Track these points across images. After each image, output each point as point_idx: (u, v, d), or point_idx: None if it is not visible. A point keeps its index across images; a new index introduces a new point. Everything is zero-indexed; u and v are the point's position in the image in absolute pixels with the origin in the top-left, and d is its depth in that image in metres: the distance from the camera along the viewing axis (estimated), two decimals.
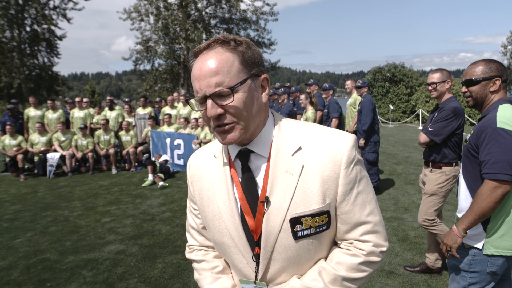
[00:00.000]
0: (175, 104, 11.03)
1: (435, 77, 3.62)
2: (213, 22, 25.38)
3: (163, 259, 4.41)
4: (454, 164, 3.60)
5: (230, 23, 25.02)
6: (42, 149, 9.56)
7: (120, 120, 10.61)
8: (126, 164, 10.15)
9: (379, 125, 7.05)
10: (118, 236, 5.16)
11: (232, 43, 1.07)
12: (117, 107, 11.08)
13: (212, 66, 1.04)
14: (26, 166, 9.77)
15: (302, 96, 7.36)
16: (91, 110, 10.79)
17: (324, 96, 7.96)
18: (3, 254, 4.63)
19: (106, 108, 10.92)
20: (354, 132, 7.53)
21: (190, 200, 1.36)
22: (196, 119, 9.68)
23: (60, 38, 29.31)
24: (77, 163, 9.94)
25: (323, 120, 7.89)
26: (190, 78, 1.11)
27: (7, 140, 9.52)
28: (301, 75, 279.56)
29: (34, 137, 9.68)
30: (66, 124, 10.27)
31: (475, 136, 2.15)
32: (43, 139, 9.69)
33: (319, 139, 1.14)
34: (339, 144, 1.12)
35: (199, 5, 24.25)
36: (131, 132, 10.21)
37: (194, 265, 1.37)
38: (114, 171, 9.76)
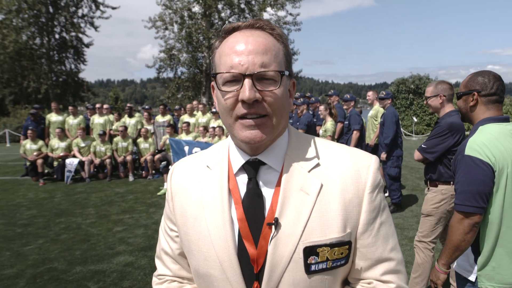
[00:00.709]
0: (194, 112, 10.99)
1: (428, 91, 3.42)
2: None
3: None
4: (452, 182, 3.30)
5: None
6: (61, 154, 9.65)
7: (139, 127, 10.62)
8: (143, 172, 10.13)
9: (402, 138, 6.75)
10: (128, 246, 5.04)
11: (278, 30, 0.94)
12: (136, 114, 11.13)
13: (260, 42, 0.88)
14: (46, 171, 9.88)
15: (322, 107, 7.15)
16: (111, 117, 10.86)
17: (345, 107, 7.72)
18: (12, 261, 4.58)
19: (126, 115, 10.97)
20: (376, 146, 7.25)
21: (167, 219, 1.10)
22: (214, 128, 9.58)
23: (87, 45, 30.15)
24: (95, 169, 9.98)
25: (344, 132, 7.64)
26: (213, 57, 0.95)
27: (28, 144, 9.65)
28: (323, 85, 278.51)
29: (54, 142, 9.79)
30: (86, 130, 10.36)
31: (454, 160, 2.05)
32: (63, 144, 9.78)
33: (340, 157, 0.98)
34: (363, 165, 0.96)
35: (222, 15, 24.48)
36: (150, 140, 10.20)
37: None
38: (131, 178, 9.74)
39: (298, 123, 8.14)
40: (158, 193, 8.11)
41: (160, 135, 10.60)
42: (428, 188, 3.44)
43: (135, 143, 10.36)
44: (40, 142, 9.79)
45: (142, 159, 10.14)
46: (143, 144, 10.17)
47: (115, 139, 10.15)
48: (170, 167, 9.30)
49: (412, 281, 3.44)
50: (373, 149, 7.26)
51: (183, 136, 10.01)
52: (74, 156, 9.78)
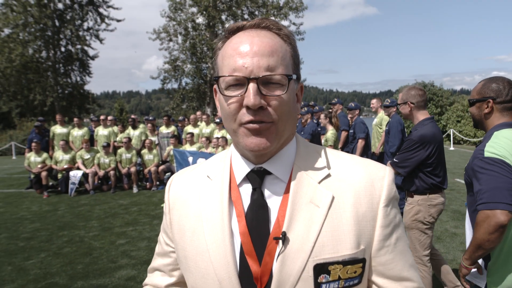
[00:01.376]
0: (198, 123, 10.97)
1: (399, 97, 3.33)
2: None
3: None
4: (428, 193, 3.21)
5: None
6: (65, 166, 9.64)
7: (143, 138, 10.61)
8: (147, 183, 10.09)
9: None
10: (131, 260, 4.97)
11: (285, 30, 0.88)
12: (140, 126, 11.13)
13: (266, 43, 0.82)
14: (50, 183, 9.87)
15: (322, 116, 7.08)
16: (115, 128, 10.87)
17: (350, 116, 7.65)
18: (14, 276, 4.51)
19: (130, 127, 10.97)
20: (381, 154, 7.16)
21: (163, 232, 1.04)
22: (218, 138, 9.53)
23: (93, 58, 30.40)
24: (99, 181, 9.96)
25: (349, 141, 7.56)
26: (216, 59, 0.89)
27: (33, 157, 9.66)
28: (327, 94, 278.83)
29: (58, 154, 9.79)
30: (91, 141, 10.36)
31: (469, 166, 2.03)
32: (67, 156, 9.78)
33: (352, 168, 0.90)
34: (377, 176, 0.89)
35: (226, 25, 24.61)
36: (154, 151, 10.18)
37: None
38: (135, 190, 9.70)
39: (302, 132, 8.08)
40: (162, 205, 8.03)
41: (164, 146, 10.58)
42: (406, 199, 3.36)
43: (139, 154, 10.34)
44: (45, 155, 9.79)
45: (146, 171, 10.11)
46: (147, 156, 10.14)
47: (119, 151, 10.14)
48: None
49: None
50: (379, 158, 7.17)
51: (187, 147, 9.98)
52: (78, 168, 9.77)
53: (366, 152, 7.24)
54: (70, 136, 10.38)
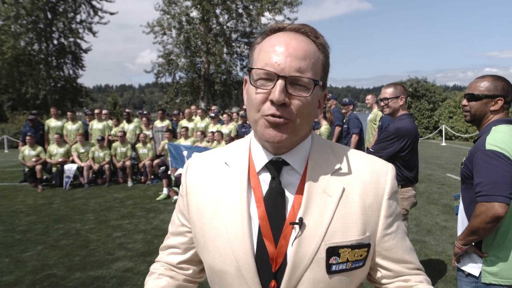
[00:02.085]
0: (193, 117, 10.99)
1: (388, 92, 3.42)
2: (234, 36, 25.65)
3: None
4: (400, 186, 3.39)
5: (251, 37, 25.16)
6: (60, 160, 9.63)
7: (137, 132, 10.62)
8: (142, 177, 10.12)
9: None
10: (128, 252, 5.03)
11: (321, 40, 0.95)
12: (135, 120, 11.13)
13: (301, 47, 0.89)
14: (44, 177, 9.85)
15: None
16: (110, 122, 10.86)
17: (344, 111, 7.73)
18: (11, 268, 4.55)
19: (124, 121, 10.97)
20: None
21: (179, 213, 1.11)
22: (213, 133, 9.57)
23: (86, 51, 30.18)
24: (94, 175, 9.97)
25: (343, 136, 7.65)
26: (253, 52, 0.96)
27: (27, 150, 9.63)
28: None
29: (53, 148, 9.78)
30: (85, 135, 10.35)
31: (469, 159, 2.11)
32: (61, 150, 9.77)
33: (359, 162, 1.02)
34: (382, 171, 1.01)
35: (220, 19, 24.54)
36: (148, 145, 10.20)
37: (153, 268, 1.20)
38: (130, 183, 9.73)
39: None
40: (157, 198, 8.10)
41: (158, 140, 10.59)
42: None
43: (133, 148, 10.35)
44: (39, 148, 9.77)
45: (140, 164, 10.13)
46: (141, 149, 10.16)
47: (113, 145, 10.14)
48: (168, 172, 9.32)
49: None
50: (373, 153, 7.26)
51: (181, 141, 10.00)
52: (72, 161, 9.76)
53: (360, 147, 7.33)
54: (64, 130, 10.36)
